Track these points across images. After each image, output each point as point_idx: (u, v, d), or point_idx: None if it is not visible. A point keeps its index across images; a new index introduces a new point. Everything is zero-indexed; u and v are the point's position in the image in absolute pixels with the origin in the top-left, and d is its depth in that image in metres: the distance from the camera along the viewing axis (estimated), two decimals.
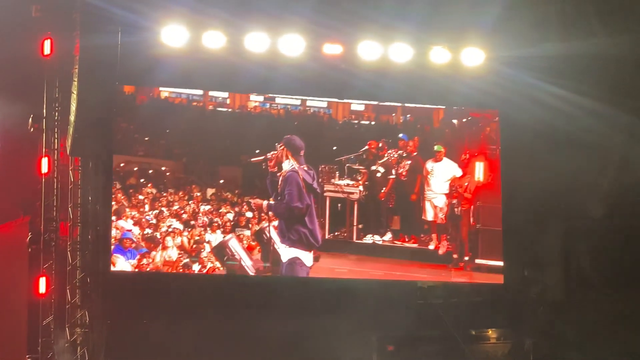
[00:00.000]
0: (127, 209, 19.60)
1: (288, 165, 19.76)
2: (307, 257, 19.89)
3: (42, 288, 18.67)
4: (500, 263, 21.00)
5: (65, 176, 19.14)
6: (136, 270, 19.37)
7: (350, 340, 19.76)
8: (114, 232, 19.39)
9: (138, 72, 19.22)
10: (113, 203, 19.51)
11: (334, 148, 20.84)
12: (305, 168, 19.82)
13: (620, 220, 20.67)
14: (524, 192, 20.89)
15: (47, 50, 18.68)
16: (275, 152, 19.81)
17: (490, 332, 21.33)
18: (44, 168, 18.95)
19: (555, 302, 21.10)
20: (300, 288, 20.03)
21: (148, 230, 19.59)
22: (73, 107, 18.29)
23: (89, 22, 17.99)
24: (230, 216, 20.08)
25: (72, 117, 18.35)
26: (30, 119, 19.10)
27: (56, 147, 19.03)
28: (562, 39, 19.88)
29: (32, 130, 19.15)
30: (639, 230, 20.60)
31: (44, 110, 19.00)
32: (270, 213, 19.90)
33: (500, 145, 21.14)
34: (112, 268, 19.20)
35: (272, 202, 19.84)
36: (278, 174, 19.80)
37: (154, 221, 19.67)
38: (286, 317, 19.72)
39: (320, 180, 20.33)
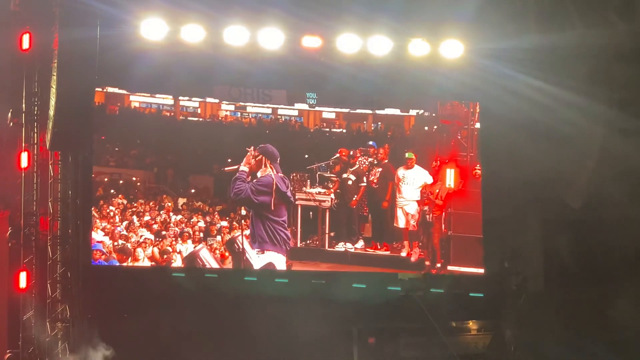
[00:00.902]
0: (98, 220, 19.59)
1: (264, 173, 19.74)
2: (280, 262, 19.90)
3: (23, 283, 18.61)
4: (472, 270, 21.21)
5: (45, 170, 19.06)
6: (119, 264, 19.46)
7: (331, 332, 19.82)
8: None
9: (117, 66, 19.17)
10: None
11: (306, 156, 20.88)
12: (282, 176, 19.83)
13: (599, 210, 20.75)
14: (504, 183, 21.00)
15: (26, 44, 18.61)
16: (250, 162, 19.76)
17: (470, 323, 21.44)
18: (24, 162, 18.86)
19: (535, 293, 21.19)
20: (281, 281, 20.05)
21: (120, 241, 19.56)
22: (52, 102, 18.21)
23: (67, 16, 17.85)
24: (201, 225, 20.09)
25: (51, 112, 18.28)
26: (9, 114, 19.01)
27: (36, 142, 18.95)
28: (541, 31, 19.93)
29: (11, 124, 19.06)
30: (618, 221, 20.67)
31: (23, 105, 18.92)
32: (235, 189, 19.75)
33: (479, 136, 21.24)
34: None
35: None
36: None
37: (125, 232, 19.64)
38: (267, 309, 19.74)
39: (292, 188, 20.31)
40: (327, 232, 20.83)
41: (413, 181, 21.09)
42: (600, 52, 20.08)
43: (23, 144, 18.93)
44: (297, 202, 20.57)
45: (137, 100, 20.35)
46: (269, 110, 21.08)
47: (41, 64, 18.71)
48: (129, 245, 19.56)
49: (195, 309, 19.59)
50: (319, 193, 20.76)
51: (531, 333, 20.81)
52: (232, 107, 20.83)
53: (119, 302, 19.20)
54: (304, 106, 21.18)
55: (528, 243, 21.44)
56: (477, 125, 21.35)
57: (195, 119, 20.72)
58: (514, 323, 21.08)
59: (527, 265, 21.28)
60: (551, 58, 20.02)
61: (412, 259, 21.03)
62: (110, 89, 20.13)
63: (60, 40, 17.87)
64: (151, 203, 20.09)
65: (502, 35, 19.87)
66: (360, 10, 19.40)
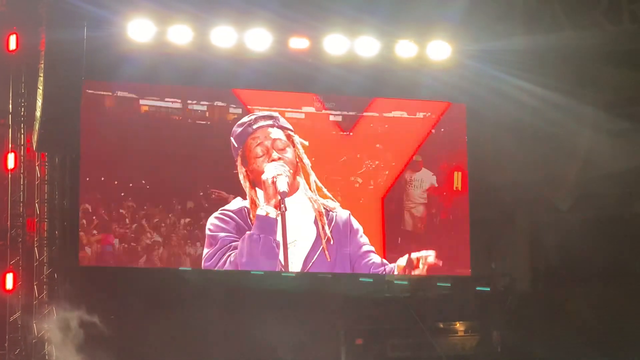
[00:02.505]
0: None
1: None
2: None
3: (9, 284, 18.63)
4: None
5: (31, 172, 19.09)
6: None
7: (318, 333, 19.84)
8: (95, 247, 19.39)
9: (104, 67, 19.08)
10: (94, 217, 19.52)
11: (312, 159, 20.82)
12: None
13: (586, 212, 20.81)
14: (491, 185, 20.99)
15: (12, 45, 18.64)
16: None
17: (458, 324, 21.46)
18: (11, 164, 18.89)
19: (522, 294, 21.23)
20: (268, 283, 20.04)
21: (132, 244, 19.57)
22: (39, 103, 18.23)
23: (54, 16, 17.89)
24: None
25: (38, 113, 18.29)
26: None
27: (22, 143, 18.98)
28: (528, 33, 19.95)
29: None
30: (605, 222, 20.75)
31: (10, 106, 18.95)
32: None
33: (466, 138, 21.21)
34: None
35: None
36: None
37: (134, 235, 19.63)
38: (255, 311, 19.75)
39: None
40: None
41: (420, 184, 20.99)
42: (588, 54, 20.14)
43: (10, 145, 18.95)
44: None
45: (146, 104, 20.31)
46: (276, 114, 21.03)
47: (28, 64, 18.74)
48: (138, 248, 19.54)
49: (183, 309, 19.59)
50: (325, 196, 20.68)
51: (518, 334, 20.84)
52: (239, 111, 20.78)
53: (106, 303, 19.16)
54: (311, 109, 21.13)
55: (515, 244, 21.47)
56: None
57: (203, 122, 20.68)
58: (501, 324, 21.12)
59: (514, 267, 21.32)
60: (539, 60, 20.03)
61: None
62: (120, 93, 20.11)
63: (47, 41, 17.91)
64: (160, 206, 20.04)
65: (489, 37, 19.88)
66: (347, 11, 19.38)
